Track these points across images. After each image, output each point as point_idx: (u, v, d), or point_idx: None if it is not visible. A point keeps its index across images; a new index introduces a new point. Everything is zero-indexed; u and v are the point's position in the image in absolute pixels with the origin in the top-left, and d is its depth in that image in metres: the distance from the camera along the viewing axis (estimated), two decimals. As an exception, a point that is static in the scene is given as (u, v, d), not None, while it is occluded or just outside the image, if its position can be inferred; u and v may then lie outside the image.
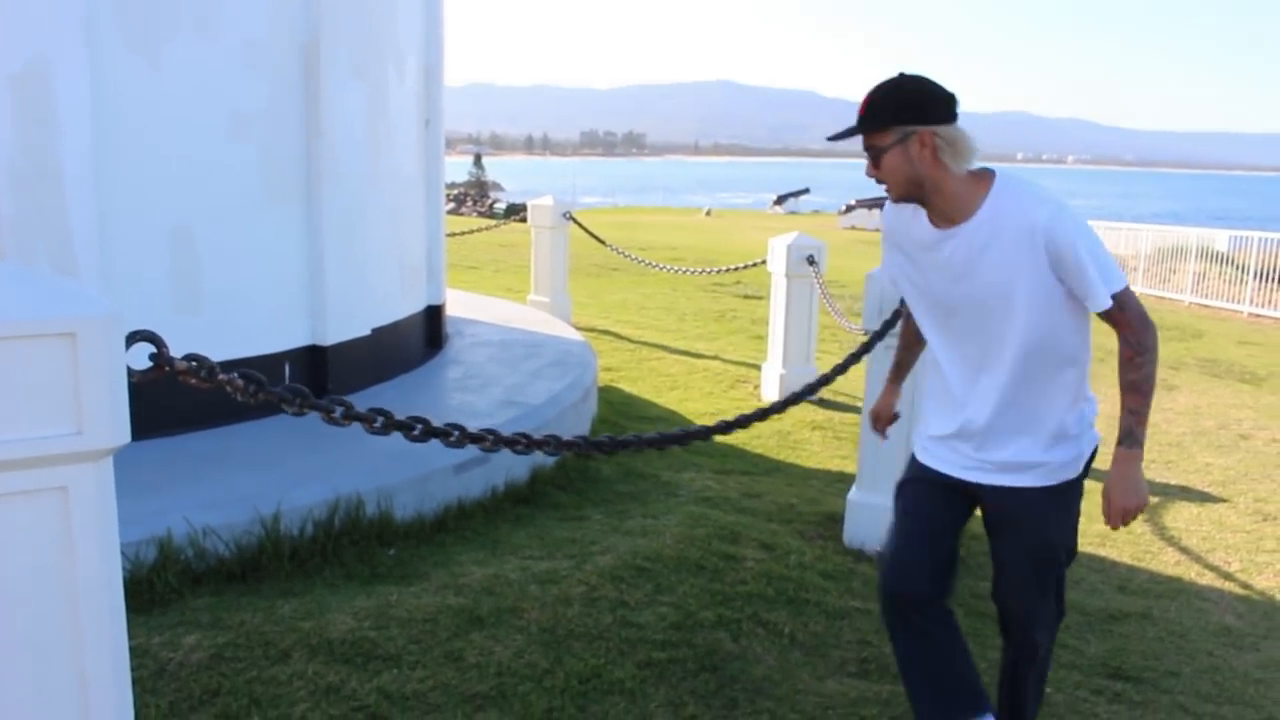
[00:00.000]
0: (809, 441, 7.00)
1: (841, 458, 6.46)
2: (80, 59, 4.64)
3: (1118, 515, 2.45)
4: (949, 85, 2.44)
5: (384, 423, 2.45)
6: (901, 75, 2.47)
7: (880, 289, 4.27)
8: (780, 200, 46.86)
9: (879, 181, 2.51)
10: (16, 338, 1.67)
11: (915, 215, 2.56)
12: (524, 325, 8.58)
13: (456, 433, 2.57)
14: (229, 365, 2.22)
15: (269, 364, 5.39)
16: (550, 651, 3.32)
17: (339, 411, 2.34)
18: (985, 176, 2.48)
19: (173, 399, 4.20)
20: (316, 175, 5.69)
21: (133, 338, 1.91)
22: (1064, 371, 2.54)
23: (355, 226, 5.97)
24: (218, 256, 5.30)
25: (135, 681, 2.88)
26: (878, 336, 4.04)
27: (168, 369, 1.99)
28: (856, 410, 7.46)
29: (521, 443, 2.75)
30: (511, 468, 5.22)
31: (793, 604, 3.90)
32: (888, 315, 4.11)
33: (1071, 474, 2.62)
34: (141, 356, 1.96)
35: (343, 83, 5.78)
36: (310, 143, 5.66)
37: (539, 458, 5.40)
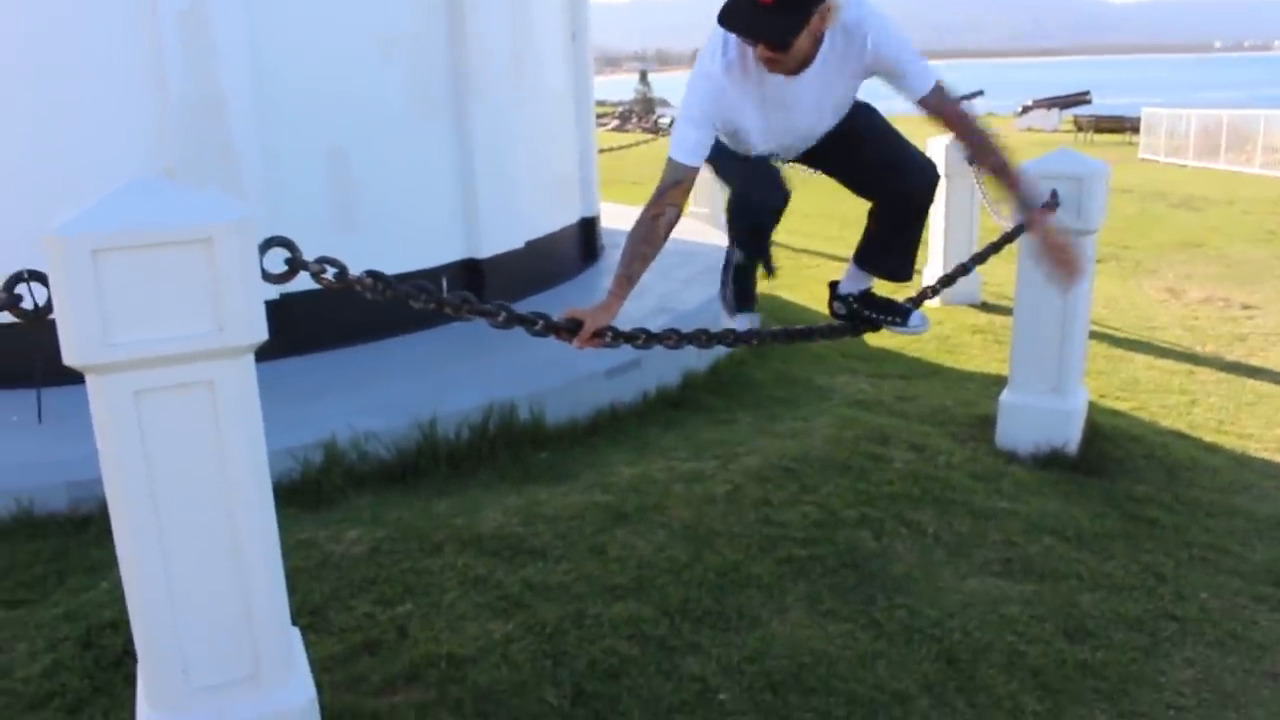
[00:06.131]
0: (968, 345, 6.84)
1: (1000, 361, 6.27)
2: (238, -9, 4.85)
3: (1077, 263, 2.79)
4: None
5: (544, 325, 2.57)
6: None
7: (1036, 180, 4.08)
8: (953, 103, 45.04)
9: (772, 65, 2.57)
10: (160, 244, 1.81)
11: (748, 80, 2.67)
12: (680, 235, 8.56)
13: (610, 333, 2.68)
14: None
15: (427, 279, 5.55)
16: (691, 547, 3.39)
17: (502, 315, 2.48)
18: None
19: (337, 314, 4.45)
20: (464, 92, 5.82)
21: (268, 244, 2.03)
22: None
23: (504, 142, 6.08)
24: (373, 176, 5.51)
25: (302, 570, 3.12)
26: (1021, 229, 3.88)
27: (301, 271, 2.10)
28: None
29: (672, 338, 2.90)
30: (663, 374, 5.30)
31: (938, 504, 3.86)
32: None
33: None
34: (278, 261, 2.09)
35: (485, -3, 5.85)
36: (455, 60, 5.77)
37: (691, 363, 5.46)
